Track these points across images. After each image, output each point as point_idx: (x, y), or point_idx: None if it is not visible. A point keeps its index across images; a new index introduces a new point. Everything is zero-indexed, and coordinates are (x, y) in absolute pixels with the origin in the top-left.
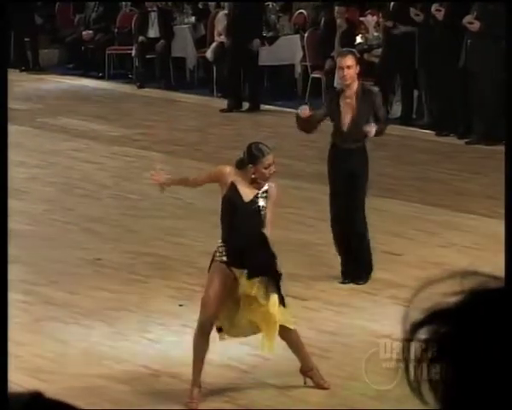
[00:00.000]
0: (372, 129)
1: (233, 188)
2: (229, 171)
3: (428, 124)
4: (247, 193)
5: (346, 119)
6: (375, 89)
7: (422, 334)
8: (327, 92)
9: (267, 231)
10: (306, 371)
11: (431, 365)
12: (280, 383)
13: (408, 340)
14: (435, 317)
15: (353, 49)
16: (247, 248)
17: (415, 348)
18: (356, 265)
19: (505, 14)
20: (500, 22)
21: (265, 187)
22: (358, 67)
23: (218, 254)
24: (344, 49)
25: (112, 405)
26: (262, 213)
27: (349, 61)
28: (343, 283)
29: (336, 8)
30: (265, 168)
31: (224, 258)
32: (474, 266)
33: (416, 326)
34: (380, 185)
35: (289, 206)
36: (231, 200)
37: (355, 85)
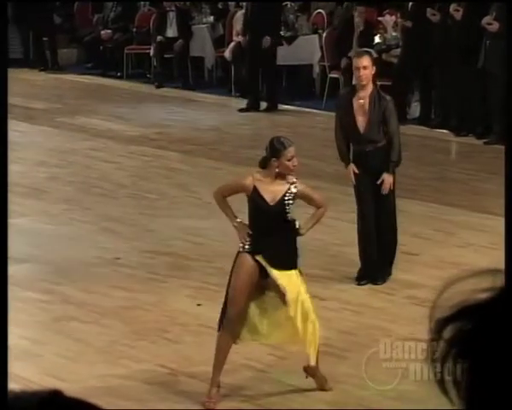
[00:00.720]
0: (388, 180)
1: (255, 192)
2: (250, 181)
3: (443, 124)
4: (271, 195)
5: (360, 120)
6: (388, 97)
7: (448, 331)
8: (338, 96)
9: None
10: (310, 372)
11: (455, 363)
12: (297, 382)
13: (434, 338)
14: (461, 314)
15: (370, 50)
16: (274, 245)
17: (440, 345)
18: (376, 266)
19: (506, 13)
20: None
21: (293, 189)
22: (375, 68)
23: (241, 244)
24: (361, 49)
25: (130, 404)
26: (288, 215)
27: (365, 61)
28: (360, 284)
29: (357, 7)
30: (288, 160)
31: (248, 247)
32: (493, 266)
33: (442, 324)
34: (398, 186)
35: (308, 206)
36: (255, 203)
37: (370, 87)
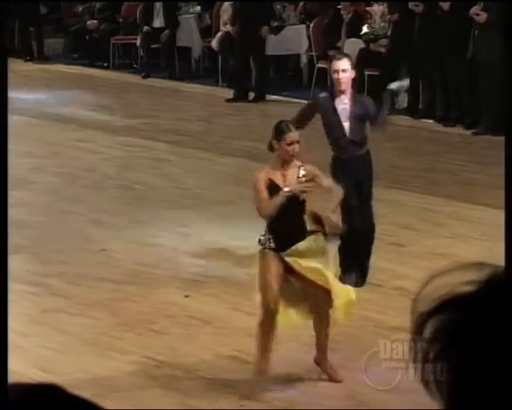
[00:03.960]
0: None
1: (271, 183)
2: (264, 174)
3: (431, 114)
4: (284, 181)
5: (346, 125)
6: (367, 98)
7: (431, 326)
8: (318, 99)
9: (335, 211)
10: (319, 362)
11: (437, 359)
12: (286, 374)
13: (415, 334)
14: (445, 307)
15: (348, 54)
16: (293, 236)
17: (422, 342)
18: (357, 271)
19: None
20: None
21: (302, 172)
22: (354, 73)
23: (264, 241)
24: (339, 53)
25: (117, 396)
26: (302, 200)
27: (344, 64)
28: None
29: (342, 3)
30: (288, 145)
31: (272, 245)
32: (482, 258)
33: (423, 319)
34: (387, 176)
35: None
36: (271, 193)
37: (349, 92)
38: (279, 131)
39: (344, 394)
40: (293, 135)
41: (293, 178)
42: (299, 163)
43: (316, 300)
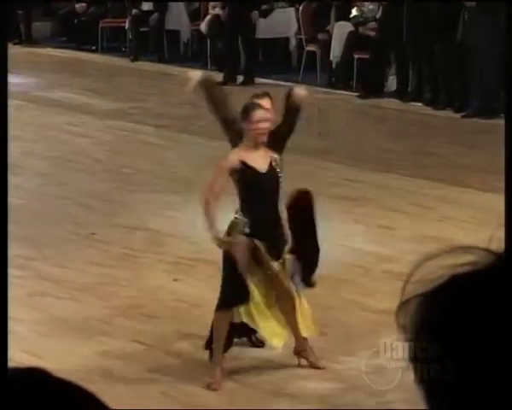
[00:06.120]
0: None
1: (243, 165)
2: (233, 157)
3: (420, 97)
4: (260, 164)
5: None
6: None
7: (425, 308)
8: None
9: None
10: (300, 351)
11: (428, 347)
12: (275, 358)
13: (407, 314)
14: (442, 288)
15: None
16: (272, 223)
17: (415, 324)
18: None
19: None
20: None
21: (275, 156)
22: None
23: (240, 225)
24: (256, 95)
25: (106, 380)
26: (280, 181)
27: (268, 104)
28: None
29: None
30: (257, 122)
31: (248, 230)
32: (471, 241)
33: (418, 299)
34: (376, 160)
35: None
36: (247, 177)
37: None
38: (246, 110)
39: (332, 377)
40: (262, 112)
41: (266, 164)
42: (269, 152)
43: (281, 289)
